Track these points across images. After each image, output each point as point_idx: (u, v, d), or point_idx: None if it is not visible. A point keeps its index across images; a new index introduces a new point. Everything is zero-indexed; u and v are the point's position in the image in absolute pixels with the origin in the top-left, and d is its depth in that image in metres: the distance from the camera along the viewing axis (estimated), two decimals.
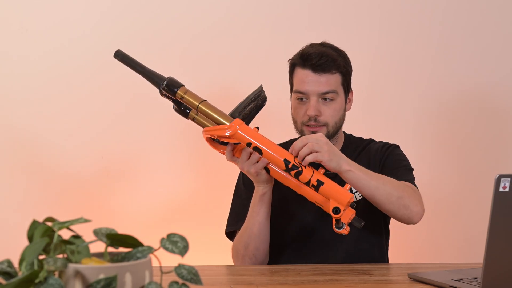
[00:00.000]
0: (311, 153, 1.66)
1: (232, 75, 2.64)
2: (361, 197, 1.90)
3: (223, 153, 1.75)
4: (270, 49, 2.63)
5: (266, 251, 1.90)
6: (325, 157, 1.67)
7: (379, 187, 1.75)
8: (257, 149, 1.67)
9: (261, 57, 2.63)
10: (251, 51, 2.63)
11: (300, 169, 1.66)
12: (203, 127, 1.74)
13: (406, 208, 1.80)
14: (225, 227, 1.99)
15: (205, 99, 1.75)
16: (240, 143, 1.69)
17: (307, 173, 1.66)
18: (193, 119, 1.76)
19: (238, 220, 1.92)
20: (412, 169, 1.96)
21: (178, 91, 1.73)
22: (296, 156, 1.68)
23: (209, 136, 1.72)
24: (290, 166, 1.66)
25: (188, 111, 1.75)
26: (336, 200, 1.64)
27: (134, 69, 1.80)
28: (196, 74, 2.61)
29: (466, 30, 2.69)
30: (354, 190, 1.85)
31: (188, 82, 2.58)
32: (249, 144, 1.67)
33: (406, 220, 1.85)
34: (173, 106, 1.78)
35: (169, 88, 1.73)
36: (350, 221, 1.65)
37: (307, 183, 1.67)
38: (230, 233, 1.99)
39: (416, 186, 1.89)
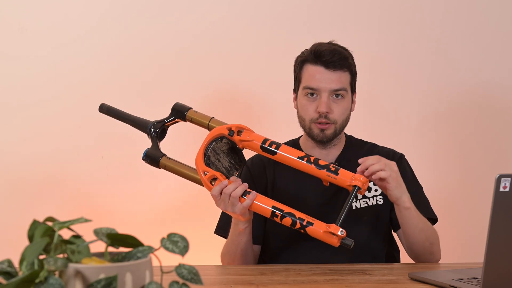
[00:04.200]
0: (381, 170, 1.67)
1: (233, 75, 2.64)
2: (366, 204, 1.91)
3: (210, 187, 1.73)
4: (270, 49, 2.63)
5: (254, 259, 1.93)
6: (392, 184, 1.69)
7: (423, 230, 1.81)
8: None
9: (261, 57, 2.63)
10: (252, 51, 2.63)
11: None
12: (174, 172, 1.81)
13: (431, 254, 1.87)
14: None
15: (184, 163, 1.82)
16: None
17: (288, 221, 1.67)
18: (164, 167, 1.82)
19: (227, 225, 1.92)
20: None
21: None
22: (366, 169, 1.67)
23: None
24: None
25: (158, 159, 1.82)
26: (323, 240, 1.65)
27: (120, 119, 1.90)
28: (196, 74, 2.61)
29: (466, 30, 2.69)
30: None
31: (187, 82, 2.60)
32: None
33: (422, 262, 1.90)
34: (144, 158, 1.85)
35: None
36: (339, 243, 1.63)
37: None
38: None
39: (435, 216, 1.94)
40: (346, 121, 1.91)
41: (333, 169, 1.67)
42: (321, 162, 1.69)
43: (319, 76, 1.86)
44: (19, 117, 2.55)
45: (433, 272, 1.62)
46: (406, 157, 2.01)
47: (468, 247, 2.65)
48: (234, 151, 1.80)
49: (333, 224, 1.62)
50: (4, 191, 2.54)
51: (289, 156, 1.72)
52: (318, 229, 1.64)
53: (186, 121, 1.86)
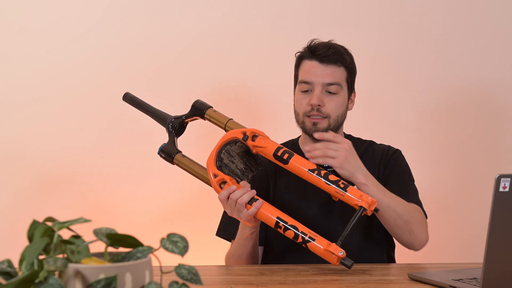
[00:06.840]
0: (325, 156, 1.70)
1: (232, 74, 2.63)
2: None
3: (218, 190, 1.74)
4: (270, 49, 2.63)
5: (258, 260, 1.94)
6: (336, 163, 1.70)
7: (390, 207, 1.77)
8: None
9: (261, 57, 2.63)
10: (252, 51, 2.63)
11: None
12: (186, 170, 1.81)
13: (411, 234, 1.83)
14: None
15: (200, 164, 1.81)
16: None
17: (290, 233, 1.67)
18: (178, 164, 1.83)
19: (229, 226, 1.93)
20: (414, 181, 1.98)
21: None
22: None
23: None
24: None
25: (173, 155, 1.82)
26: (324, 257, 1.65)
27: (142, 110, 1.92)
28: (196, 73, 2.61)
29: (465, 29, 2.69)
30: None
31: (187, 81, 2.60)
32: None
33: (407, 245, 1.87)
34: (160, 153, 1.85)
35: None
36: (338, 263, 1.63)
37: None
38: None
39: (424, 211, 1.90)
40: (341, 117, 1.91)
41: (342, 185, 1.65)
42: (331, 177, 1.67)
43: (313, 70, 1.88)
44: (19, 117, 2.55)
45: (433, 272, 1.62)
46: (405, 156, 2.01)
47: (468, 247, 2.65)
48: (250, 153, 1.78)
49: (334, 244, 1.62)
50: (4, 191, 2.54)
51: (300, 167, 1.71)
52: (319, 245, 1.63)
53: (205, 119, 1.85)
